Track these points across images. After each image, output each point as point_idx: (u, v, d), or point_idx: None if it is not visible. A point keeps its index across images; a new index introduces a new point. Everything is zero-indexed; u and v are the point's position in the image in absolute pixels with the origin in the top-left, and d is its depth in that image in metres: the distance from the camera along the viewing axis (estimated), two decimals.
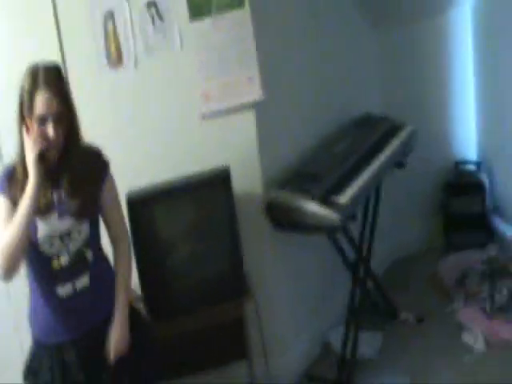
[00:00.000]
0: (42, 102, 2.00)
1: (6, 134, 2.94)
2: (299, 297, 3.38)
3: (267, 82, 2.96)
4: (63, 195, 2.13)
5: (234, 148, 2.99)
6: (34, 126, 2.02)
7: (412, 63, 4.14)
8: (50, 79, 2.03)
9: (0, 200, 2.11)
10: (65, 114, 2.05)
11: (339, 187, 2.96)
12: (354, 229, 3.32)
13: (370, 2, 3.84)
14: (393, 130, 3.58)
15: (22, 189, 2.07)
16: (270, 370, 3.14)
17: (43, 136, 2.03)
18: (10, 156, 2.22)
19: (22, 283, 2.84)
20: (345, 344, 3.27)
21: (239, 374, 3.14)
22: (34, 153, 2.02)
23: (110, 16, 2.89)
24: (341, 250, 3.23)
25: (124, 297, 2.28)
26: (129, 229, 2.53)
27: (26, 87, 2.02)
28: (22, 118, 2.05)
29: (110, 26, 2.90)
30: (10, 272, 2.05)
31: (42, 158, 2.06)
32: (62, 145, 2.09)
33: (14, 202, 2.08)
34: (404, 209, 4.28)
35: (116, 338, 2.23)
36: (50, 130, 2.02)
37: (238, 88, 2.92)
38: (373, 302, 3.73)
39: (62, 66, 2.80)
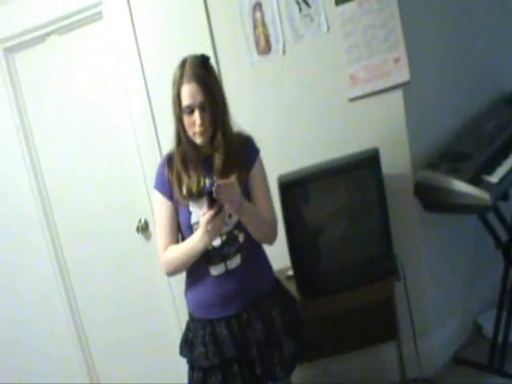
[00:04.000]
0: (187, 92, 2.13)
1: (162, 125, 3.15)
2: (450, 278, 3.33)
3: (414, 61, 2.92)
4: (215, 181, 2.21)
5: (383, 129, 2.98)
6: (184, 117, 2.16)
7: None
8: (195, 71, 2.14)
9: (157, 197, 2.30)
10: (210, 103, 2.14)
11: (490, 166, 2.88)
12: (507, 209, 3.21)
13: None
14: None
15: (178, 177, 2.23)
16: (419, 351, 3.11)
17: (191, 124, 2.16)
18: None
19: None
20: (497, 328, 3.17)
21: (388, 354, 3.17)
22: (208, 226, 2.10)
23: (257, 5, 2.98)
24: (492, 231, 3.13)
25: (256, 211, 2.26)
26: (280, 211, 2.63)
27: (175, 80, 2.17)
28: (176, 109, 2.19)
29: (258, 15, 2.99)
30: (173, 275, 2.35)
31: (193, 146, 2.19)
32: (210, 132, 2.18)
33: (170, 194, 2.25)
34: None
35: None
36: (197, 119, 2.13)
37: (385, 70, 2.91)
38: None
39: (212, 56, 2.99)
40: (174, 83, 2.18)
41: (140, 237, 3.44)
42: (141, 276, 3.49)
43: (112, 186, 3.45)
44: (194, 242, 2.19)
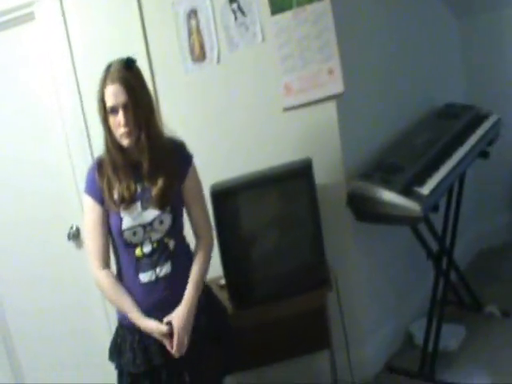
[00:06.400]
0: (110, 93, 2.15)
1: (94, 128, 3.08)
2: (381, 288, 3.37)
3: (348, 73, 2.95)
4: (146, 187, 2.23)
5: (316, 140, 3.00)
6: (109, 119, 2.17)
7: (496, 50, 4.03)
8: (118, 72, 2.16)
9: (88, 201, 2.29)
10: (134, 103, 2.15)
11: (421, 178, 2.93)
12: (437, 220, 3.27)
13: None
14: (477, 119, 3.51)
15: (109, 183, 2.23)
16: (352, 359, 3.13)
17: (117, 126, 2.17)
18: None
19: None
20: (427, 336, 3.23)
21: (320, 364, 3.17)
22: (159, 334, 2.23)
23: (192, 13, 2.97)
24: (423, 242, 3.19)
25: (193, 291, 2.30)
26: (213, 219, 2.60)
27: (100, 82, 2.18)
28: (101, 111, 2.19)
29: (193, 23, 2.98)
30: None
31: (121, 151, 2.20)
32: (137, 134, 2.18)
33: (101, 199, 2.25)
34: (489, 199, 4.18)
35: (178, 324, 2.24)
36: (121, 118, 2.15)
37: (319, 80, 2.93)
38: (456, 295, 3.67)
39: (146, 62, 2.97)
40: (99, 86, 2.19)
41: (71, 244, 3.38)
42: (72, 283, 3.42)
43: (42, 191, 3.37)
44: (128, 313, 2.26)
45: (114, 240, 2.30)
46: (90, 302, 3.41)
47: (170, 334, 2.24)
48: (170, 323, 2.25)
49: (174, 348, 2.24)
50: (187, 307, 2.27)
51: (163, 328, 2.23)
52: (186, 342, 2.26)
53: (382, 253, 3.36)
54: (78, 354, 3.53)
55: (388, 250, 3.40)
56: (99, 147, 2.31)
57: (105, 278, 2.29)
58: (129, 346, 2.30)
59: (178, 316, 2.25)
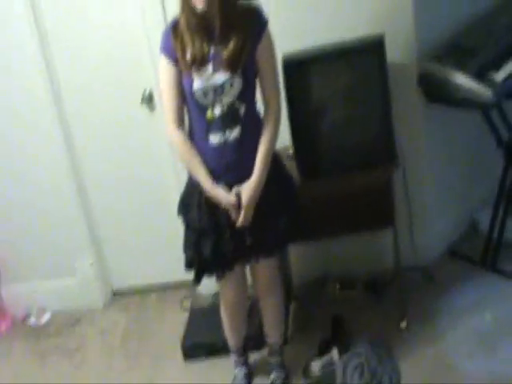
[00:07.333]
0: None
1: None
2: (449, 171, 3.37)
3: None
4: (218, 49, 2.28)
5: (389, 16, 2.96)
6: None
7: None
8: None
9: (163, 61, 2.36)
10: None
11: (496, 64, 2.88)
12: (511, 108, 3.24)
13: None
14: None
15: (182, 44, 2.30)
16: (415, 241, 3.20)
17: None
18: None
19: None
20: (492, 224, 3.25)
21: (383, 241, 3.21)
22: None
23: None
24: (494, 129, 3.17)
25: (263, 164, 2.37)
26: (283, 90, 2.64)
27: None
28: None
29: None
30: None
31: (196, 14, 2.23)
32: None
33: (175, 59, 2.32)
34: None
35: (246, 198, 2.35)
36: None
37: None
38: None
39: None
40: None
41: (144, 108, 3.45)
42: (144, 147, 3.54)
43: (116, 56, 3.38)
44: (198, 176, 2.37)
45: (187, 101, 2.37)
46: (161, 163, 3.53)
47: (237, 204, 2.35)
48: (238, 194, 2.35)
49: (239, 220, 2.36)
50: (257, 181, 2.36)
51: (231, 199, 2.34)
52: (251, 214, 2.37)
53: (451, 137, 3.34)
54: (148, 214, 3.70)
55: (458, 135, 3.38)
56: (173, 12, 2.37)
57: (179, 138, 2.39)
58: (196, 202, 2.43)
59: (248, 189, 2.36)
